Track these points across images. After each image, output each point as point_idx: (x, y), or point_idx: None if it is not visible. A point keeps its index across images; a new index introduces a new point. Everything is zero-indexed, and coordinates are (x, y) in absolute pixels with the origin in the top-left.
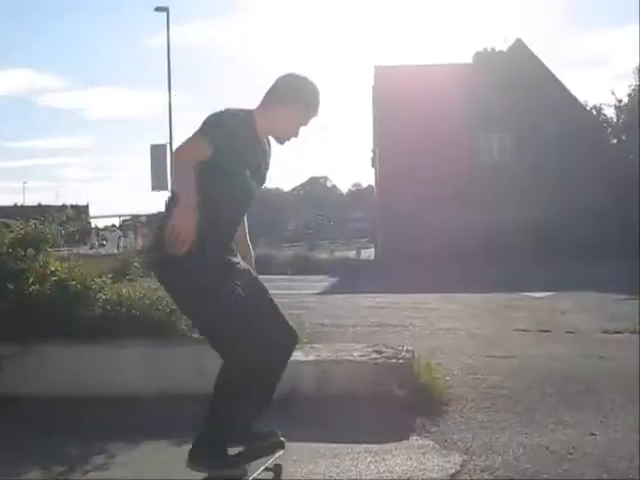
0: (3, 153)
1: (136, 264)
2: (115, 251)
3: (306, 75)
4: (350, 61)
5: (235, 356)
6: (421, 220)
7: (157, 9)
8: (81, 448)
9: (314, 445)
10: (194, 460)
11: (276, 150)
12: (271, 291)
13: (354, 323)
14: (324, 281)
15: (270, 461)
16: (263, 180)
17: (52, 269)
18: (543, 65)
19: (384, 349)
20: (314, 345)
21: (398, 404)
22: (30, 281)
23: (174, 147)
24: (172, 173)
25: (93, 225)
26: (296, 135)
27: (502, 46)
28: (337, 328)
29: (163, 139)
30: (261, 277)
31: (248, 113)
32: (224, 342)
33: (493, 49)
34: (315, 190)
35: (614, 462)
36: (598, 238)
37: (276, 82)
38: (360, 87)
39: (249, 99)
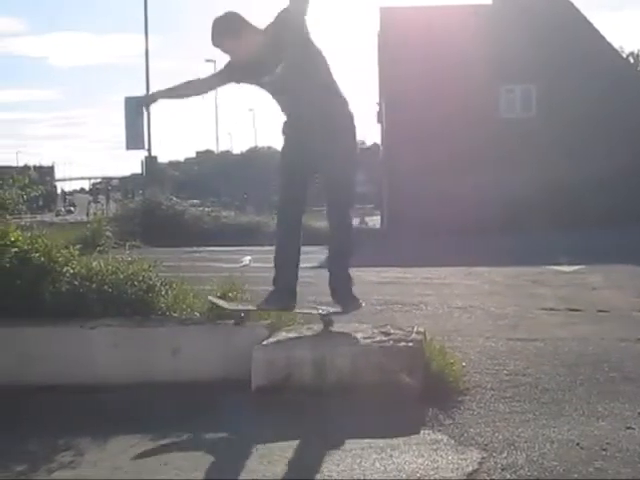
0: None
1: (108, 233)
2: (84, 218)
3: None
4: (352, 2)
5: None
6: (433, 183)
7: None
8: (45, 444)
9: (310, 440)
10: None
11: (266, 104)
12: (262, 265)
13: None
14: (322, 253)
15: None
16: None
17: (12, 239)
18: (573, 6)
19: (392, 330)
20: (311, 326)
21: (407, 393)
22: None
23: None
24: None
25: (59, 189)
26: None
27: None
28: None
29: (139, 90)
30: (249, 249)
31: None
32: None
33: None
34: None
35: None
36: (633, 204)
37: None
38: (364, 32)
39: None
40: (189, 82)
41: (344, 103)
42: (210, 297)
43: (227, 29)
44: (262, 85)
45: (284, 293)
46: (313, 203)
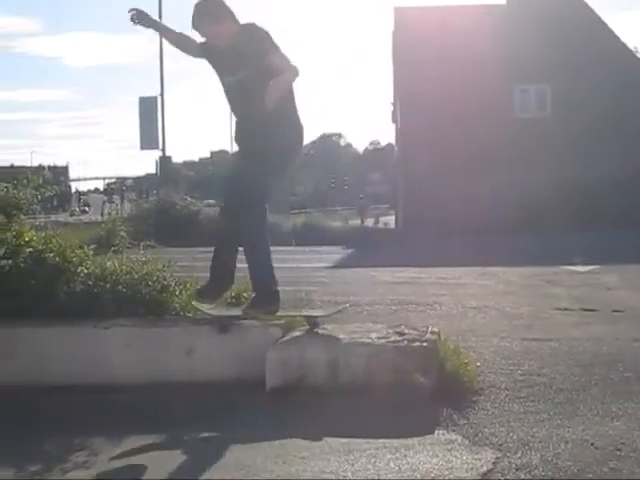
0: None
1: (122, 233)
2: (99, 218)
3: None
4: (367, 2)
5: None
6: (448, 183)
7: None
8: (60, 444)
9: (325, 440)
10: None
11: None
12: (277, 265)
13: (371, 301)
14: (337, 253)
15: None
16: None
17: (26, 239)
18: (587, 6)
19: (406, 330)
20: (325, 326)
21: (421, 393)
22: (1, 253)
23: (166, 99)
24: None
25: (73, 189)
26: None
27: None
28: (351, 306)
29: (153, 90)
30: None
31: None
32: None
33: None
34: (327, 149)
35: None
36: None
37: None
38: (379, 31)
39: None
40: (181, 34)
41: (292, 135)
42: (194, 302)
43: (208, 13)
44: (222, 81)
45: (266, 296)
46: (327, 204)
